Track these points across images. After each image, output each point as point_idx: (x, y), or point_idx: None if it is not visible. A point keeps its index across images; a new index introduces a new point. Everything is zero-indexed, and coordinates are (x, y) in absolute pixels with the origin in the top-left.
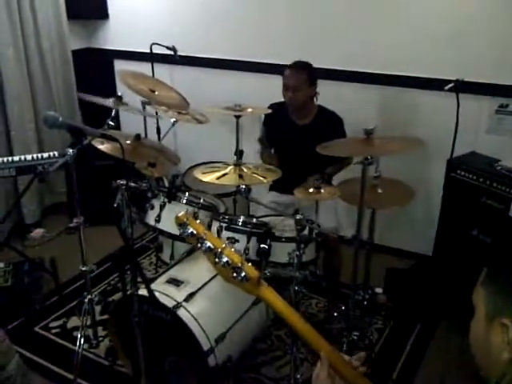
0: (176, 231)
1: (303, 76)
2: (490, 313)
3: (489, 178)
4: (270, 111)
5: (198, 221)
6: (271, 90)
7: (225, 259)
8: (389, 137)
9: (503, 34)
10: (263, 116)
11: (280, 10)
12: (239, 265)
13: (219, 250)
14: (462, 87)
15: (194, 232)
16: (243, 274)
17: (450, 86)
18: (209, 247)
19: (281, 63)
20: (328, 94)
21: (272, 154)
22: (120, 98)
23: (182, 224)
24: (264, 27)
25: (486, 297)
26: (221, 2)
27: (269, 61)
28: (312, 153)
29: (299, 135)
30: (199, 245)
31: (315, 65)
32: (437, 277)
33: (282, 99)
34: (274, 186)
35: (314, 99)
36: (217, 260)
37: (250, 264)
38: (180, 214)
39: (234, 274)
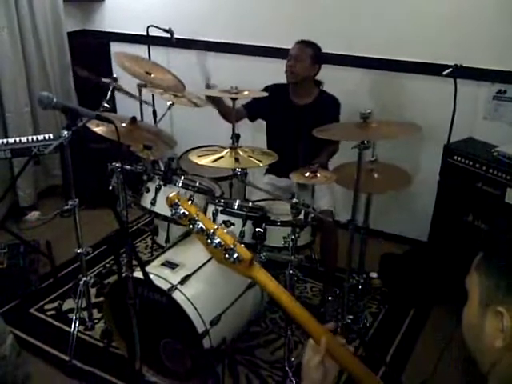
0: None
1: (308, 50)
2: (484, 299)
3: (485, 163)
4: (266, 94)
5: (189, 202)
6: (269, 73)
7: (217, 240)
8: (385, 121)
9: (502, 20)
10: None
11: None
12: (231, 246)
13: (211, 230)
14: (460, 72)
15: (186, 213)
16: (235, 256)
17: (448, 71)
18: (201, 228)
19: (279, 47)
20: (324, 79)
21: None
22: (115, 80)
23: (173, 205)
24: (263, 10)
25: (480, 282)
26: None
27: (267, 44)
28: (309, 134)
29: (297, 115)
30: (191, 226)
31: None
32: (432, 262)
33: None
34: (270, 169)
35: (320, 85)
36: (209, 241)
37: (242, 245)
38: (171, 195)
39: (227, 256)
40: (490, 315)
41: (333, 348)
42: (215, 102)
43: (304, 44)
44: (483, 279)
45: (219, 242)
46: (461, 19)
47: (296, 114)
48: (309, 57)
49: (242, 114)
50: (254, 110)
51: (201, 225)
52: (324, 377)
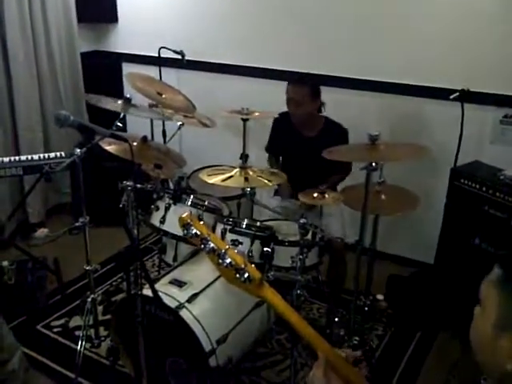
0: (180, 232)
1: (305, 90)
2: (502, 323)
3: (492, 187)
4: (277, 116)
5: (201, 222)
6: (278, 96)
7: (228, 260)
8: (393, 143)
9: (509, 44)
10: (271, 124)
11: (289, 17)
12: (242, 266)
13: (223, 251)
14: (467, 97)
15: (198, 233)
16: (246, 275)
17: (455, 95)
18: (212, 248)
19: (288, 70)
20: (333, 102)
21: (278, 164)
22: (129, 100)
23: (185, 225)
24: (273, 33)
25: (499, 304)
26: (229, 7)
27: (277, 67)
28: (317, 164)
29: (305, 147)
30: (202, 246)
31: (322, 72)
32: (438, 285)
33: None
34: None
35: (322, 109)
36: (220, 261)
37: (252, 265)
38: (184, 215)
39: (237, 275)
40: (505, 339)
41: (336, 364)
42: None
43: (298, 85)
44: (503, 302)
45: (230, 262)
46: (468, 44)
47: (304, 144)
48: (307, 96)
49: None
50: (276, 149)
51: (212, 245)
52: None
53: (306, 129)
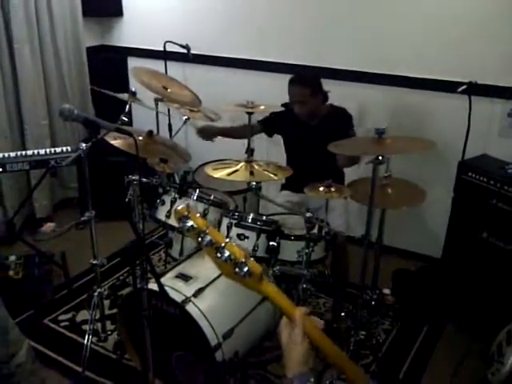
0: None
1: (306, 90)
2: None
3: (499, 180)
4: (283, 109)
5: (198, 214)
6: (284, 89)
7: (227, 254)
8: (400, 137)
9: None
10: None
11: (295, 10)
12: (242, 259)
13: (221, 244)
14: (474, 89)
15: (195, 225)
16: (246, 269)
17: (463, 88)
18: (210, 241)
19: (295, 63)
20: (339, 95)
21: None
22: (134, 94)
23: (182, 217)
24: (278, 27)
25: None
26: (234, 1)
27: (282, 60)
28: (323, 152)
29: (310, 136)
30: (200, 239)
31: (328, 65)
32: (445, 279)
33: None
34: (286, 186)
35: (327, 98)
36: (218, 255)
37: (252, 259)
38: (180, 207)
39: (237, 269)
40: None
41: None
42: (220, 132)
43: (299, 86)
44: None
45: (229, 256)
46: (475, 36)
47: (309, 132)
48: (309, 95)
49: (257, 129)
50: (270, 124)
51: (210, 238)
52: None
53: (312, 118)
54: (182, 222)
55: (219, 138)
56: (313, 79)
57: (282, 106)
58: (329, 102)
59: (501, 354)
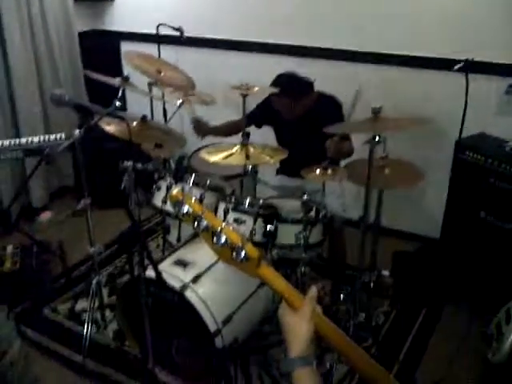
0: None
1: (292, 100)
2: None
3: (497, 158)
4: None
5: (193, 198)
6: (278, 71)
7: (223, 238)
8: (396, 116)
9: None
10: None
11: None
12: (240, 244)
13: (218, 228)
14: (471, 67)
15: (190, 210)
16: (243, 254)
17: (459, 65)
18: (206, 226)
19: (289, 43)
20: (335, 75)
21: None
22: (126, 79)
23: (177, 202)
24: (272, 7)
25: None
26: None
27: (276, 41)
28: (315, 138)
29: (300, 124)
30: (196, 224)
31: (324, 45)
32: (444, 260)
33: None
34: (282, 170)
35: (313, 88)
36: (215, 240)
37: (250, 243)
38: (174, 192)
39: (234, 254)
40: None
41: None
42: (213, 132)
43: (285, 96)
44: None
45: (226, 240)
46: (472, 13)
47: (297, 123)
48: (297, 100)
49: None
50: (256, 118)
51: (206, 222)
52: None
53: (301, 108)
54: (177, 207)
55: (214, 118)
56: (295, 84)
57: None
58: (322, 83)
59: (500, 332)
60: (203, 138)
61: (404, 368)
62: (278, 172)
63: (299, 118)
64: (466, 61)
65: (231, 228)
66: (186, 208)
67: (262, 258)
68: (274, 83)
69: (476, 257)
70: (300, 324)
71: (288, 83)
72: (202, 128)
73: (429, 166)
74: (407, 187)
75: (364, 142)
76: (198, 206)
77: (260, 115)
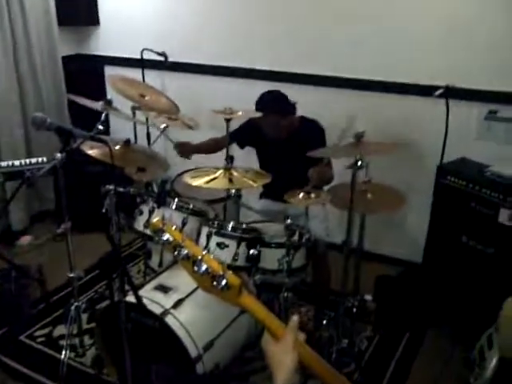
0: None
1: (276, 116)
2: None
3: (478, 183)
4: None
5: (174, 227)
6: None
7: (204, 267)
8: (379, 141)
9: (493, 40)
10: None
11: (272, 17)
12: (220, 272)
13: (199, 257)
14: (451, 93)
15: (171, 239)
16: (224, 282)
17: (440, 91)
18: (186, 254)
19: (271, 69)
20: (317, 101)
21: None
22: (109, 102)
23: (157, 230)
24: (255, 33)
25: None
26: (211, 9)
27: (259, 67)
28: (297, 162)
29: (281, 149)
30: (176, 252)
31: (304, 71)
32: (426, 284)
33: None
34: (265, 194)
35: (295, 111)
36: (195, 268)
37: (231, 272)
38: (155, 220)
39: (215, 283)
40: None
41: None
42: (197, 150)
43: (270, 113)
44: None
45: (207, 269)
46: (451, 41)
47: (280, 145)
48: (282, 118)
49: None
50: (239, 138)
51: (186, 251)
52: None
53: (283, 131)
54: (157, 235)
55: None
56: (279, 101)
57: (247, 121)
58: (306, 108)
59: (483, 358)
60: (189, 158)
61: None
62: (262, 196)
63: (283, 140)
64: (447, 87)
65: (212, 256)
66: (166, 236)
67: (243, 287)
68: (259, 101)
69: (458, 281)
70: (283, 354)
71: (273, 100)
72: (185, 148)
73: (411, 190)
74: (389, 211)
75: (346, 167)
76: (179, 235)
77: (243, 135)
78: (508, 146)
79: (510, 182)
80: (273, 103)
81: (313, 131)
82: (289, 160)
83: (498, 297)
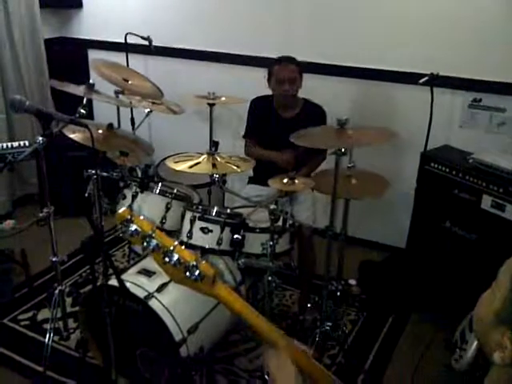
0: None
1: (296, 68)
2: (503, 312)
3: (461, 170)
4: (246, 103)
5: (141, 217)
6: (247, 82)
7: (175, 258)
8: (362, 128)
9: (478, 29)
10: (246, 114)
11: (257, 4)
12: (193, 263)
13: (170, 248)
14: (436, 81)
15: (139, 230)
16: (197, 273)
17: (425, 79)
18: (157, 245)
19: (258, 55)
20: (303, 88)
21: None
22: (92, 86)
23: (124, 221)
24: (241, 19)
25: (509, 295)
26: None
27: (246, 53)
28: (295, 146)
29: (284, 128)
30: (145, 243)
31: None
32: (410, 269)
33: (260, 93)
34: (253, 179)
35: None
36: (166, 259)
37: (204, 262)
38: (121, 211)
39: (187, 274)
40: (497, 331)
41: (296, 357)
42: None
43: (291, 64)
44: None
45: (178, 259)
46: (437, 28)
47: (283, 126)
48: (298, 73)
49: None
50: (255, 133)
51: (156, 242)
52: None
53: (287, 109)
54: (124, 226)
55: (183, 128)
56: (297, 59)
57: (250, 105)
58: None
59: (464, 340)
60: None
61: (370, 375)
62: (250, 181)
63: (288, 120)
64: (431, 75)
65: (183, 247)
66: (133, 227)
67: (217, 276)
68: (274, 60)
69: (441, 266)
70: (283, 369)
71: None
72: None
73: (395, 176)
74: (373, 197)
75: (330, 153)
76: (148, 225)
77: (255, 111)
78: (491, 134)
79: (492, 169)
80: (290, 57)
81: (317, 115)
82: (288, 142)
83: (479, 282)
